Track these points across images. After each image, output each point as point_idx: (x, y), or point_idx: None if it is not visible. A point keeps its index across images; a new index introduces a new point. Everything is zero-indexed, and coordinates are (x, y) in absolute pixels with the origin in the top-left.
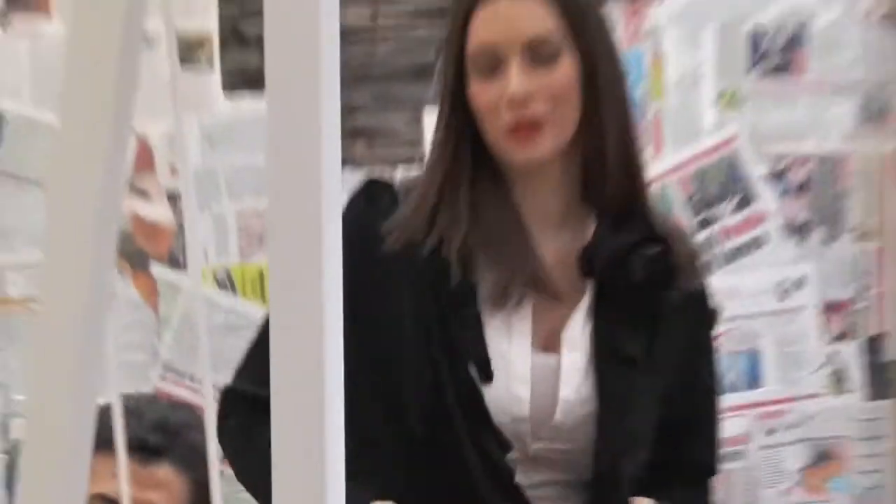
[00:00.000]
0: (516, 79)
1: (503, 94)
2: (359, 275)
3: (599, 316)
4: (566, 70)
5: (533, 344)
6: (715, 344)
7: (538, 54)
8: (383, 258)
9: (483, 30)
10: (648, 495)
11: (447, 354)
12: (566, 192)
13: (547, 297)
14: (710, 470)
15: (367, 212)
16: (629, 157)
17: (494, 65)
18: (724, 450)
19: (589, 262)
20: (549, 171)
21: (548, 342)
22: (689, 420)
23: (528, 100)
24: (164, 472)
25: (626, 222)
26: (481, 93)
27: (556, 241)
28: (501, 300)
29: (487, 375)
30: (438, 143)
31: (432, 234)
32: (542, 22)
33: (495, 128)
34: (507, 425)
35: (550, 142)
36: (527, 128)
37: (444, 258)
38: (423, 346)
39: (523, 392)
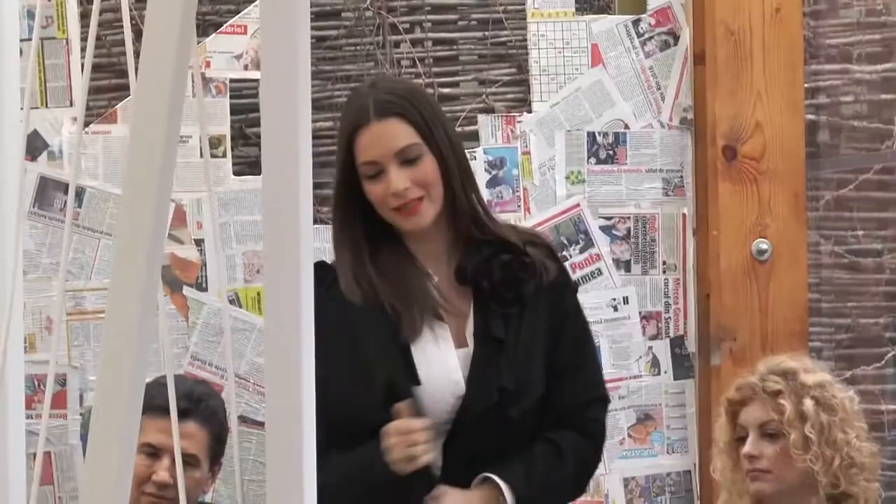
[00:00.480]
0: (395, 178)
1: (388, 189)
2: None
3: (479, 313)
4: (428, 165)
5: (454, 344)
6: (579, 309)
7: (407, 158)
8: (338, 310)
9: (366, 149)
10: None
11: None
12: (443, 236)
13: (450, 311)
14: (598, 398)
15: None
16: (474, 205)
17: (378, 170)
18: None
19: (461, 275)
20: (429, 227)
21: (459, 340)
22: (567, 367)
23: (405, 190)
24: (191, 426)
25: (485, 245)
26: (372, 190)
27: (446, 270)
28: (415, 328)
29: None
30: (339, 229)
31: (360, 293)
32: (406, 136)
33: (387, 211)
34: (448, 402)
35: (429, 213)
36: (408, 208)
37: (374, 305)
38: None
39: (458, 377)
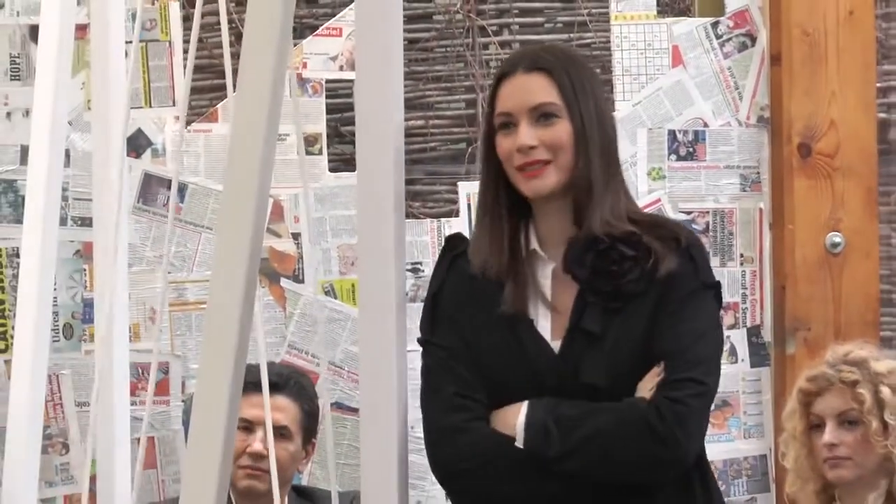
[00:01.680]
0: (523, 132)
1: (514, 144)
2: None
3: (578, 304)
4: (562, 129)
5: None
6: (692, 301)
7: (541, 116)
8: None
9: (503, 99)
10: None
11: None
12: (564, 217)
13: (556, 301)
14: (688, 378)
15: (445, 255)
16: (608, 194)
17: (510, 122)
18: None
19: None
20: (553, 203)
21: (560, 332)
22: (664, 352)
23: (531, 149)
24: (282, 400)
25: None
26: (501, 143)
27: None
28: (513, 311)
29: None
30: (481, 192)
31: (476, 264)
32: (544, 93)
33: (511, 170)
34: (529, 393)
35: (551, 179)
36: (532, 168)
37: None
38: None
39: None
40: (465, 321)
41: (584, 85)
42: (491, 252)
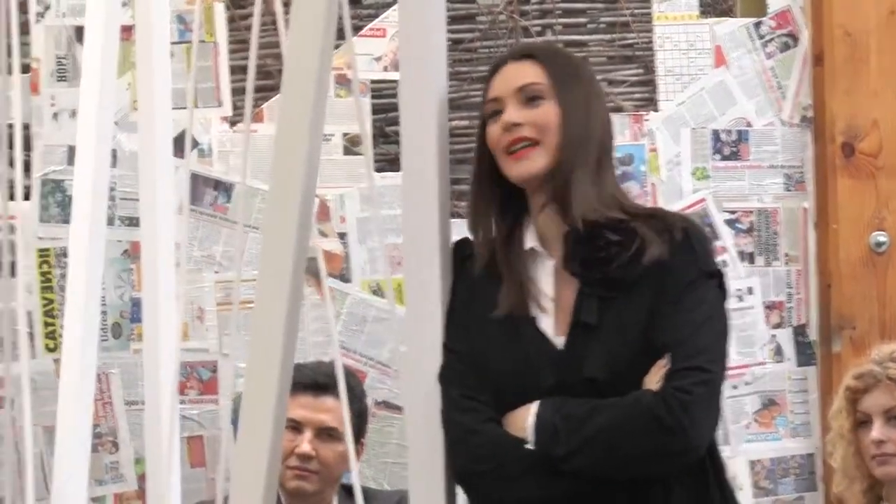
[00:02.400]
0: (509, 111)
1: (501, 122)
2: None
3: (578, 297)
4: (548, 110)
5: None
6: (694, 288)
7: (528, 99)
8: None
9: (492, 88)
10: None
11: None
12: (554, 208)
13: (558, 296)
14: (693, 367)
15: (453, 260)
16: (595, 183)
17: (499, 109)
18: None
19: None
20: (544, 194)
21: (563, 327)
22: (667, 343)
23: (517, 127)
24: (331, 401)
25: (592, 224)
26: (491, 132)
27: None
28: (510, 309)
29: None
30: (472, 183)
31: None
32: (531, 75)
33: (500, 155)
34: (532, 392)
35: (539, 162)
36: (521, 149)
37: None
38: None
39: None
40: (472, 324)
41: (574, 73)
42: (489, 252)
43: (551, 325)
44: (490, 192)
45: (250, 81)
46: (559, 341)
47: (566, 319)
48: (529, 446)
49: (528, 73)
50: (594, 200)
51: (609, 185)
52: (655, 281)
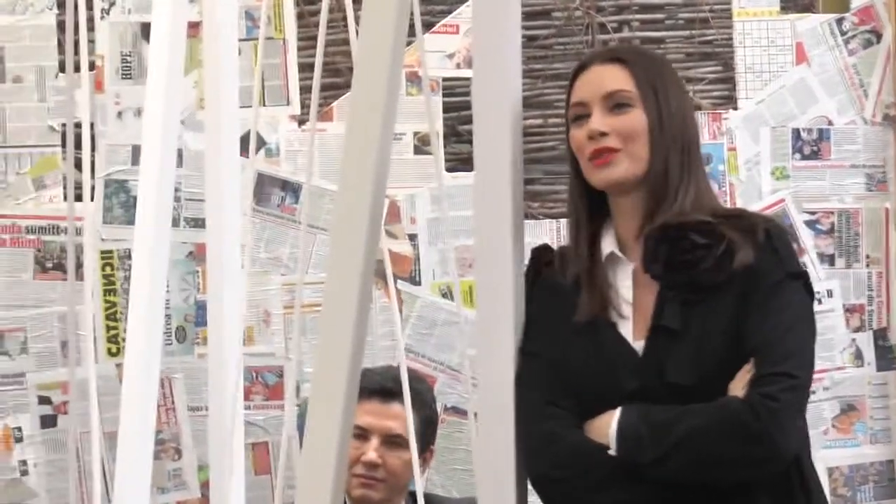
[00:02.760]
0: (595, 119)
1: (587, 130)
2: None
3: (659, 301)
4: (635, 118)
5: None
6: (779, 294)
7: (614, 104)
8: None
9: (578, 90)
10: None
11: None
12: (641, 215)
13: (638, 300)
14: (779, 373)
15: (531, 267)
16: (686, 189)
17: (584, 113)
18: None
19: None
20: (628, 201)
21: (643, 331)
22: (754, 349)
23: (602, 136)
24: (398, 408)
25: (675, 227)
26: (574, 136)
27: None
28: (588, 315)
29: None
30: (568, 192)
31: (565, 270)
32: (618, 81)
33: (584, 162)
34: (613, 399)
35: (622, 168)
36: (603, 156)
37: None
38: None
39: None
40: (554, 330)
41: (662, 79)
42: (573, 257)
43: (630, 329)
44: (581, 198)
45: (317, 79)
46: (639, 346)
47: (645, 323)
48: (612, 452)
49: (616, 79)
50: (686, 206)
51: (698, 188)
52: (740, 284)
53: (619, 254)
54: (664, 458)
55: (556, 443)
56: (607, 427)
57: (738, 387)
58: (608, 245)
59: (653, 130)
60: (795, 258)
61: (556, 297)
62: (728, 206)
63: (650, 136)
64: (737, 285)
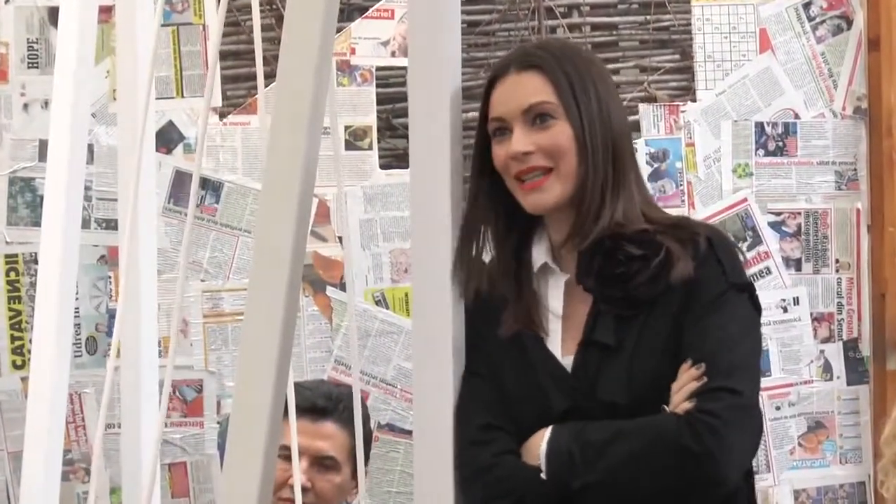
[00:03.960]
0: (517, 138)
1: (509, 152)
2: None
3: (592, 315)
4: (559, 132)
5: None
6: (721, 306)
7: (536, 118)
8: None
9: (495, 105)
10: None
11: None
12: (570, 223)
13: (568, 314)
14: (720, 388)
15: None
16: (618, 200)
17: (504, 128)
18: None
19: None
20: (562, 212)
21: (572, 347)
22: (695, 365)
23: (526, 155)
24: (330, 427)
25: (611, 238)
26: (496, 153)
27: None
28: (516, 334)
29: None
30: (469, 201)
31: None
32: (538, 92)
33: (510, 181)
34: (535, 415)
35: (554, 192)
36: (531, 179)
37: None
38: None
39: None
40: (486, 346)
41: (583, 80)
42: (494, 271)
43: (558, 344)
44: (492, 208)
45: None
46: (567, 362)
47: (576, 338)
48: (543, 476)
49: (535, 90)
50: (619, 217)
51: (634, 196)
52: (680, 297)
53: (553, 265)
54: (596, 484)
55: (490, 471)
56: (537, 448)
57: (679, 390)
58: (540, 255)
59: (579, 140)
60: (740, 269)
61: (487, 312)
62: (686, 207)
63: (577, 147)
64: (676, 298)
